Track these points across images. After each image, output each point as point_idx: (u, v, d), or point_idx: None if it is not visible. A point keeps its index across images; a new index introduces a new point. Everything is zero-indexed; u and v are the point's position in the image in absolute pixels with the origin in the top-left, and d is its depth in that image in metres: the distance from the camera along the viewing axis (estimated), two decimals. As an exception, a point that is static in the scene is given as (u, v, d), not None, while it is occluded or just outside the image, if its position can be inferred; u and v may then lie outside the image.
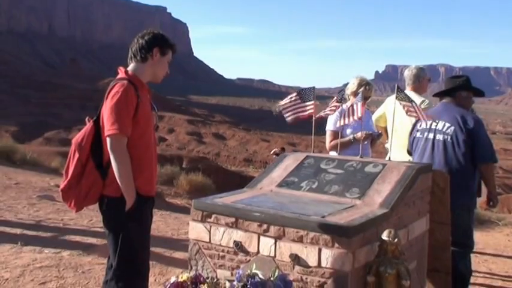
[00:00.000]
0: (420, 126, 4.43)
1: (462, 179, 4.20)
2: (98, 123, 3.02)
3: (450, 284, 4.08)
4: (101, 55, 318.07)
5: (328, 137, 5.04)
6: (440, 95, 4.61)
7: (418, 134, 4.44)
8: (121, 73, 3.09)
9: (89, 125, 3.04)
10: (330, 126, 5.00)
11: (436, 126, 4.35)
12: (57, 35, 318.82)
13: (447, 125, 4.30)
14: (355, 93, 4.73)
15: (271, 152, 5.50)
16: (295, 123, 4.10)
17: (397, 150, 4.84)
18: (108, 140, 2.91)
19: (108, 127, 2.89)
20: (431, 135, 4.36)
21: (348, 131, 4.95)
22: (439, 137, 4.31)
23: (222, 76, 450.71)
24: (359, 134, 4.74)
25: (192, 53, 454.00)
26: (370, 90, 4.88)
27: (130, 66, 3.13)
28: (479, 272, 5.35)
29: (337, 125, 4.55)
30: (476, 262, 5.85)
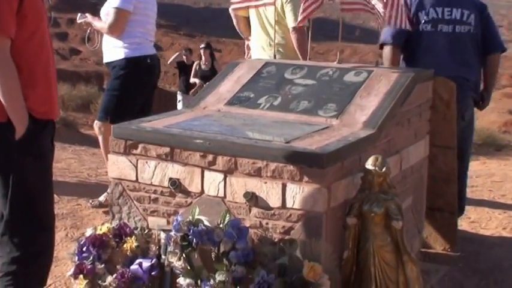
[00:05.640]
0: (428, 16, 4.40)
1: (477, 77, 4.54)
2: None
3: (456, 227, 4.22)
4: None
5: None
6: None
7: (429, 27, 4.41)
8: None
9: None
10: None
11: (451, 15, 4.40)
12: None
13: (466, 12, 4.39)
14: None
15: (171, 59, 5.25)
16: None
17: None
18: None
19: None
20: (449, 28, 4.41)
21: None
22: (460, 28, 4.40)
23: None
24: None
25: None
26: None
27: None
28: (495, 210, 5.51)
29: None
30: (491, 197, 6.06)
